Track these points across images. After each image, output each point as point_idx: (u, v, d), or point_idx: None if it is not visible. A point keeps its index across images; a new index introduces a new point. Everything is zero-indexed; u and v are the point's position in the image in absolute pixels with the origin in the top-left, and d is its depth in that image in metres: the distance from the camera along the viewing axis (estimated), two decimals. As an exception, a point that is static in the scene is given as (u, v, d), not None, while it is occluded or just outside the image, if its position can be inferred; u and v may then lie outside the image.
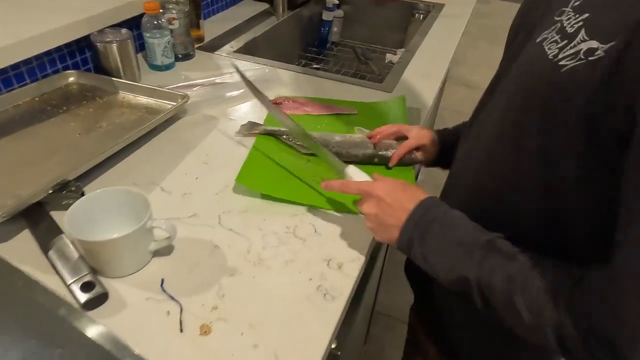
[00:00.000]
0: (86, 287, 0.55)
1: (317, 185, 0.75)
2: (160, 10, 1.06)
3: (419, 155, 0.81)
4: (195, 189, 0.74)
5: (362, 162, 0.81)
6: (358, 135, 0.85)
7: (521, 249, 0.47)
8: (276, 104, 0.99)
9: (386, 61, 1.59)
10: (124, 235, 0.54)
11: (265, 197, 0.73)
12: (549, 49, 0.43)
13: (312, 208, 0.71)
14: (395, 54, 1.55)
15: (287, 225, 0.68)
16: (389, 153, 0.81)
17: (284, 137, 0.86)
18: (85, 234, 0.56)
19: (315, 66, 1.61)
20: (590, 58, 0.39)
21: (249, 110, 0.96)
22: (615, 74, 0.37)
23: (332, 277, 0.61)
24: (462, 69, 3.42)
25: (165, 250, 0.62)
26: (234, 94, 1.02)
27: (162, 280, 0.59)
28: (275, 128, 0.88)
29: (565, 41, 0.42)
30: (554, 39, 0.43)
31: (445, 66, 1.21)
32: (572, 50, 0.41)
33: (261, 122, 0.91)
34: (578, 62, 0.40)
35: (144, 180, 0.75)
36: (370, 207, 0.58)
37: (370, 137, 0.83)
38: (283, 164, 0.80)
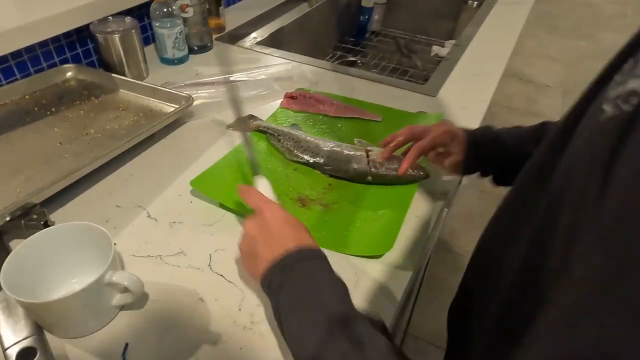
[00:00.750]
0: (25, 355, 0.43)
1: (290, 203, 0.63)
2: (172, -4, 0.93)
3: (421, 171, 0.66)
4: (187, 217, 0.61)
5: (353, 179, 0.67)
6: (355, 147, 0.70)
7: (377, 336, 0.38)
8: (290, 97, 0.85)
9: (432, 54, 1.40)
10: (70, 294, 0.42)
11: (223, 208, 0.62)
12: None
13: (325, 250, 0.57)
14: (443, 46, 1.36)
15: (292, 272, 0.54)
16: (384, 171, 0.65)
17: (278, 137, 0.73)
18: (26, 287, 0.44)
19: (351, 58, 1.44)
20: None
21: (267, 114, 0.82)
22: None
23: (344, 355, 0.46)
24: (516, 60, 3.12)
25: (134, 304, 0.49)
26: (251, 94, 0.88)
27: (126, 347, 0.46)
28: (272, 125, 0.75)
29: None
30: None
31: (502, 65, 1.01)
32: None
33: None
34: None
35: (128, 201, 0.63)
36: (253, 227, 0.49)
37: (384, 145, 0.67)
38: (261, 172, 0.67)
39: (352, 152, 0.68)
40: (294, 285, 0.44)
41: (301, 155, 0.69)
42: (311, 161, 0.69)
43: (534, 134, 0.63)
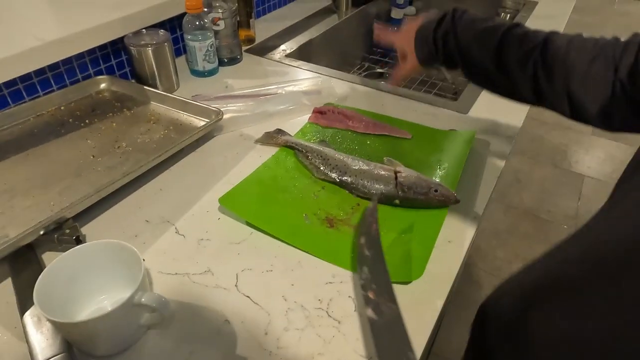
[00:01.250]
0: (55, 373, 0.43)
1: (318, 223, 0.62)
2: (205, 9, 0.94)
3: (451, 197, 0.64)
4: (215, 234, 0.61)
5: (380, 201, 0.65)
6: (385, 166, 0.69)
7: None
8: (319, 112, 0.84)
9: (462, 67, 1.37)
10: (100, 315, 0.42)
11: (250, 226, 0.61)
12: None
13: (355, 273, 0.56)
14: (473, 60, 1.33)
15: (319, 296, 0.53)
16: (412, 195, 0.64)
17: (306, 154, 0.73)
18: (56, 304, 0.44)
19: (379, 70, 1.43)
20: None
21: (295, 129, 0.81)
22: None
23: (372, 386, 0.44)
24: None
25: (161, 324, 0.49)
26: (279, 109, 0.87)
27: (153, 367, 0.46)
28: (300, 141, 0.75)
29: None
30: None
31: (537, 81, 0.98)
32: None
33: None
34: None
35: (157, 217, 0.63)
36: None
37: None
38: (289, 190, 0.67)
39: (381, 172, 0.67)
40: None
41: (329, 174, 0.69)
42: (338, 180, 0.68)
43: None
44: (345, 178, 0.68)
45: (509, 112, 0.87)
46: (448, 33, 0.62)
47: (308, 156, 0.72)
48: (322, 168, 0.69)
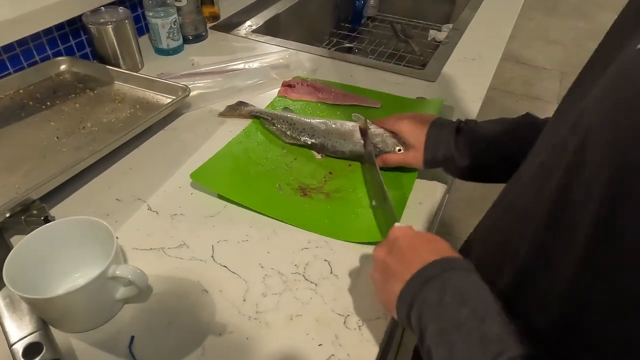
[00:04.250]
0: (32, 351, 0.43)
1: (291, 193, 0.62)
2: (165, -15, 0.91)
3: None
4: (188, 208, 0.60)
5: (350, 159, 0.68)
6: (350, 123, 0.70)
7: None
8: (288, 86, 0.84)
9: (429, 39, 1.38)
10: (74, 289, 0.41)
11: (223, 199, 0.61)
12: None
13: (330, 239, 0.57)
14: (440, 31, 1.35)
15: (296, 262, 0.54)
16: (379, 153, 0.65)
17: (272, 121, 0.73)
18: (29, 283, 0.43)
19: (347, 45, 1.43)
20: None
21: (264, 103, 0.81)
22: None
23: (349, 342, 0.46)
24: (513, 43, 3.10)
25: (138, 297, 0.49)
26: (248, 84, 0.87)
27: (132, 339, 0.46)
28: (264, 110, 0.76)
29: None
30: None
31: (501, 48, 1.00)
32: None
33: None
34: None
35: (128, 195, 0.62)
36: (381, 251, 0.44)
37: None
38: (261, 162, 0.67)
39: (347, 130, 0.68)
40: (442, 302, 0.36)
41: (298, 137, 0.70)
42: (309, 142, 0.69)
43: (512, 125, 0.59)
44: (314, 140, 0.69)
45: (474, 80, 0.88)
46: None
47: (274, 123, 0.72)
48: (289, 133, 0.70)
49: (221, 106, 0.80)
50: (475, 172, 0.59)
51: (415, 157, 0.61)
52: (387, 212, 0.55)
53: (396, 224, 0.48)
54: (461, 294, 0.36)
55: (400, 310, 0.40)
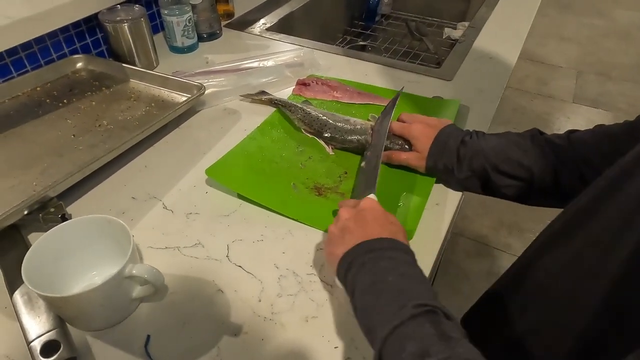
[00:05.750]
0: (49, 348, 0.43)
1: (306, 192, 0.62)
2: (180, -17, 0.91)
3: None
4: (204, 207, 0.60)
5: (357, 150, 0.68)
6: (361, 121, 0.70)
7: (465, 340, 0.36)
8: (303, 84, 0.83)
9: (444, 37, 1.36)
10: (91, 288, 0.41)
11: (239, 197, 0.61)
12: None
13: (344, 239, 0.56)
14: (455, 29, 1.33)
15: (311, 262, 0.53)
16: (390, 145, 0.66)
17: (290, 108, 0.74)
18: (46, 281, 0.44)
19: (361, 43, 1.42)
20: None
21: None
22: None
23: (366, 345, 0.45)
24: (528, 40, 3.05)
25: (154, 296, 0.49)
26: (262, 82, 0.86)
27: (148, 338, 0.46)
28: (284, 99, 0.77)
29: None
30: None
31: (519, 46, 0.98)
32: None
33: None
34: None
35: (143, 193, 0.62)
36: (348, 212, 0.49)
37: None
38: (275, 160, 0.67)
39: (358, 126, 0.69)
40: (377, 265, 0.42)
41: (311, 125, 0.71)
42: (324, 134, 0.70)
43: (519, 139, 0.59)
44: (324, 131, 0.70)
45: (490, 79, 0.87)
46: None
47: (291, 110, 0.74)
48: (306, 121, 0.72)
49: (235, 104, 0.80)
50: (473, 185, 0.60)
51: (419, 161, 0.62)
52: (369, 179, 0.57)
53: (371, 195, 0.52)
54: (395, 263, 0.42)
55: (341, 266, 0.45)
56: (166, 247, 0.55)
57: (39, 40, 0.79)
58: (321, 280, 0.51)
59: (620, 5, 3.49)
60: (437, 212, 0.60)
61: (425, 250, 0.55)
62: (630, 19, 3.31)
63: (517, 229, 1.76)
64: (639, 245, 0.31)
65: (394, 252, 0.44)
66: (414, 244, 0.54)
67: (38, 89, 0.78)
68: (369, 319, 0.40)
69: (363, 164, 0.64)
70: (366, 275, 0.42)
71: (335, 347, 0.45)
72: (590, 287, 0.36)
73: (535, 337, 0.43)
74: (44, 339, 0.43)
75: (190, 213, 0.60)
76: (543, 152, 0.55)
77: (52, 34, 0.81)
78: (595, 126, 0.56)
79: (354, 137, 0.68)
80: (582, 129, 0.57)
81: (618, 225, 0.35)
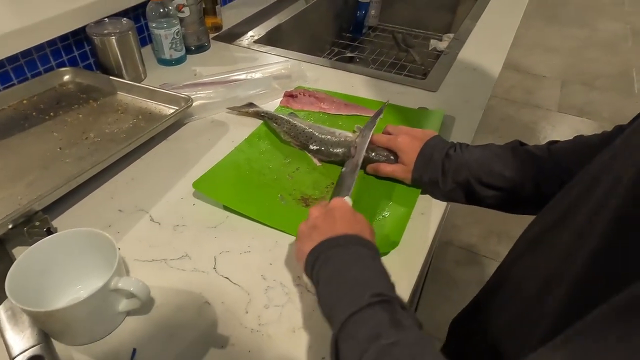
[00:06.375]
0: (33, 364, 0.42)
1: (293, 203, 0.62)
2: (168, -4, 0.92)
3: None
4: (191, 219, 0.60)
5: (342, 162, 0.68)
6: (346, 133, 0.71)
7: (417, 328, 0.38)
8: (290, 96, 0.84)
9: (430, 48, 1.39)
10: (76, 302, 0.41)
11: (226, 209, 0.62)
12: None
13: (331, 249, 0.56)
14: (441, 40, 1.35)
15: (299, 273, 0.54)
16: (375, 157, 0.67)
17: (276, 120, 0.75)
18: (31, 295, 0.43)
19: (349, 54, 1.44)
20: None
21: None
22: None
23: (353, 355, 0.45)
24: (513, 51, 3.11)
25: (140, 309, 0.49)
26: (250, 94, 0.87)
27: (134, 352, 0.46)
28: (270, 111, 0.78)
29: None
30: None
31: (502, 57, 1.00)
32: None
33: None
34: None
35: (130, 206, 0.62)
36: (318, 210, 0.51)
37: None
38: (263, 172, 0.68)
39: (343, 138, 0.70)
40: (341, 259, 0.45)
41: (297, 137, 0.72)
42: (311, 147, 0.70)
43: (502, 151, 0.61)
44: (310, 144, 0.70)
45: (475, 90, 0.89)
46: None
47: (277, 122, 0.74)
48: (292, 134, 0.72)
49: (223, 116, 0.81)
50: (457, 196, 0.61)
51: (405, 173, 0.63)
52: (347, 182, 0.61)
53: (346, 198, 0.56)
54: (357, 257, 0.45)
55: (308, 261, 0.47)
56: (153, 260, 0.55)
57: (25, 53, 0.79)
58: (308, 290, 0.52)
59: (604, 17, 3.58)
60: (423, 222, 0.60)
61: (412, 259, 0.55)
62: (613, 30, 3.39)
63: (507, 237, 1.77)
64: (596, 250, 0.32)
65: (358, 248, 0.46)
66: (400, 253, 0.55)
67: (25, 101, 0.78)
68: (330, 307, 0.43)
69: (343, 169, 0.66)
70: (330, 268, 0.44)
71: (322, 358, 0.45)
72: (553, 290, 0.37)
73: (509, 339, 0.44)
74: (28, 354, 0.43)
75: (178, 225, 0.60)
76: (524, 164, 0.57)
77: (39, 47, 0.81)
78: (575, 137, 0.58)
79: (339, 150, 0.68)
80: (563, 139, 0.58)
81: (579, 231, 0.36)
